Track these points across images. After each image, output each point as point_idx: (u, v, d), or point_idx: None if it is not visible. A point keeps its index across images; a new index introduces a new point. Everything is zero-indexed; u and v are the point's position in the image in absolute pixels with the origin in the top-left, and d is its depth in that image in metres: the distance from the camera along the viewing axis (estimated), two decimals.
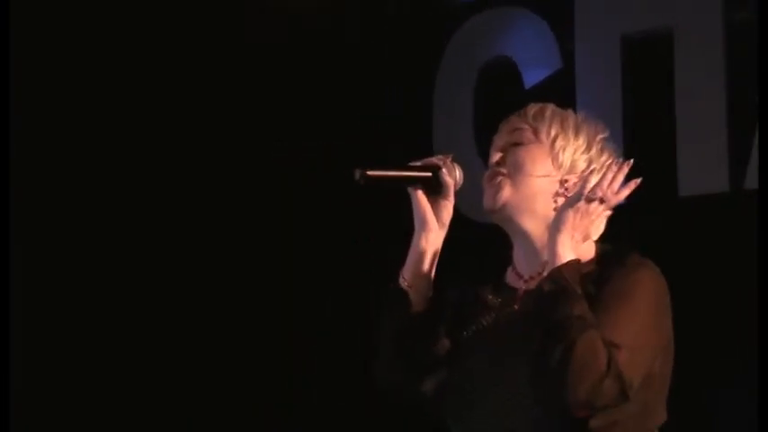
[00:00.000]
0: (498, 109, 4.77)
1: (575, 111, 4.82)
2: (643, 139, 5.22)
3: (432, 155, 5.59)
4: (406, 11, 5.78)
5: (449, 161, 2.85)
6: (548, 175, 2.80)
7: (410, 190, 2.83)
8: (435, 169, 2.83)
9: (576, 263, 2.69)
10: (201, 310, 6.07)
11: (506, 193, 2.80)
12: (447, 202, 2.83)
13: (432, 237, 2.83)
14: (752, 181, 5.03)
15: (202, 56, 5.99)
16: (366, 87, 5.78)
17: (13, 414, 4.39)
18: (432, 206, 2.84)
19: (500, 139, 2.89)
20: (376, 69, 5.81)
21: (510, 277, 2.88)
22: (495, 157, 2.84)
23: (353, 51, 5.82)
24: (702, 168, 5.17)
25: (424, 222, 2.83)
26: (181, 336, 6.02)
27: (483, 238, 3.05)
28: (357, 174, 2.80)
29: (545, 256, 2.76)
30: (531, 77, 5.62)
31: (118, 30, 5.86)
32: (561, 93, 5.21)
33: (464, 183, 2.96)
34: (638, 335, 2.66)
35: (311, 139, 5.87)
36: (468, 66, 5.78)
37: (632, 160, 2.84)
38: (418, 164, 2.85)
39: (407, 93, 5.86)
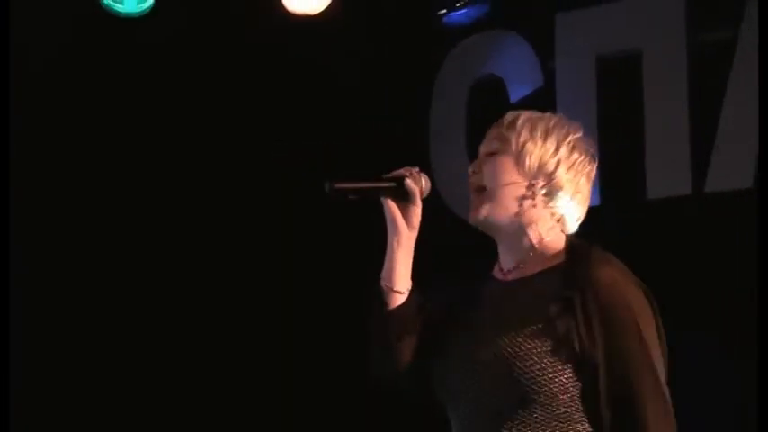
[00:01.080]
0: (488, 121, 4.97)
1: None
2: (615, 147, 5.20)
3: (428, 162, 5.58)
4: (408, 32, 5.75)
5: (415, 172, 2.85)
6: (514, 182, 2.83)
7: (381, 199, 2.85)
8: (401, 179, 2.83)
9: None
10: (201, 308, 6.00)
11: (485, 208, 2.84)
12: (415, 207, 2.84)
13: (403, 239, 2.84)
14: (711, 185, 5.12)
15: (203, 56, 5.93)
16: (370, 99, 5.77)
17: (13, 414, 4.30)
18: (401, 212, 2.85)
19: (483, 148, 2.93)
20: (379, 84, 5.79)
21: (495, 272, 2.91)
22: (471, 167, 2.90)
23: (360, 68, 5.77)
24: (668, 174, 5.24)
25: (394, 227, 2.84)
26: (179, 335, 5.95)
27: (479, 237, 3.04)
28: (326, 186, 2.82)
29: (521, 253, 2.84)
30: (517, 93, 5.66)
31: (116, 31, 5.67)
32: (543, 107, 5.10)
33: (458, 188, 3.06)
34: (654, 376, 2.70)
35: (316, 144, 5.83)
36: (461, 82, 5.82)
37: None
38: (387, 176, 2.85)
39: (407, 105, 5.86)
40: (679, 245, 5.06)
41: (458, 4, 5.69)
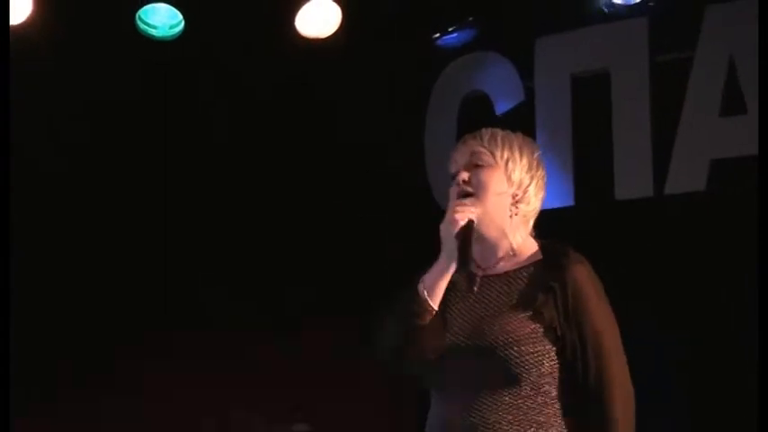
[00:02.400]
0: (475, 131, 5.05)
1: (534, 132, 4.89)
2: (586, 154, 5.38)
3: (423, 168, 5.74)
4: (405, 54, 5.76)
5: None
6: (504, 193, 2.85)
7: (452, 234, 2.79)
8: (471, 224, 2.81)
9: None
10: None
11: (473, 212, 2.82)
12: (470, 248, 2.80)
13: (452, 268, 2.80)
14: (670, 188, 5.20)
15: (226, 72, 5.88)
16: (371, 114, 5.77)
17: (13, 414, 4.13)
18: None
19: (462, 158, 2.91)
20: (380, 100, 5.83)
21: (472, 267, 2.89)
22: (464, 176, 2.85)
23: (363, 85, 5.79)
24: (633, 178, 5.33)
25: (453, 258, 2.79)
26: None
27: None
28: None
29: (500, 253, 2.86)
30: (501, 107, 5.74)
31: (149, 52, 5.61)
32: (524, 119, 5.38)
33: (444, 188, 3.02)
34: (615, 335, 2.80)
35: (323, 150, 5.87)
36: (453, 97, 5.89)
37: None
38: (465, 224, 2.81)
39: (405, 118, 5.92)
40: (642, 239, 5.16)
41: (449, 29, 5.74)
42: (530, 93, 5.65)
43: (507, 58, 5.73)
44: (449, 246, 2.81)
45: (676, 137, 5.22)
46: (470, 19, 5.73)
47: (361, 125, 5.67)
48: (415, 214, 4.92)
